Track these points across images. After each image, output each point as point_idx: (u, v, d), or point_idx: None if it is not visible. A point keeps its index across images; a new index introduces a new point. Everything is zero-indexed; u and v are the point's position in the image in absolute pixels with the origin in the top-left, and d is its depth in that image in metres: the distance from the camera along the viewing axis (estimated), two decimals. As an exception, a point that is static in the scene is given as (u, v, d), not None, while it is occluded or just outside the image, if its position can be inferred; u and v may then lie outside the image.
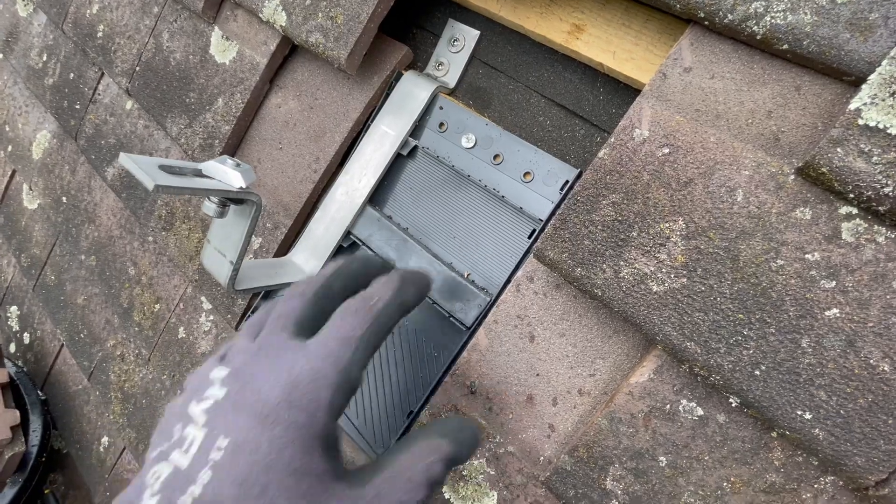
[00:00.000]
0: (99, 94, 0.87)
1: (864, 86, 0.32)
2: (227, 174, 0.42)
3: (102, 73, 0.86)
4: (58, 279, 0.95)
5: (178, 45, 0.72)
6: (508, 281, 0.52)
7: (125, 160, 0.37)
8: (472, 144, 0.56)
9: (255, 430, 0.27)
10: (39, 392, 0.98)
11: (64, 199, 0.94)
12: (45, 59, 0.97)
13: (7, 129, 1.07)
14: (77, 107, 0.90)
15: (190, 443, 0.27)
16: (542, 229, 0.51)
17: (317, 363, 0.29)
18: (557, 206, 0.51)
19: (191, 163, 0.42)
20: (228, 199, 0.43)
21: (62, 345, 0.95)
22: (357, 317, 0.31)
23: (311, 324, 0.32)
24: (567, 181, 0.51)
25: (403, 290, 0.33)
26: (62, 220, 0.94)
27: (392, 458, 0.30)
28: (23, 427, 0.89)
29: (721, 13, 0.37)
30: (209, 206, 0.43)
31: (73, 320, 0.92)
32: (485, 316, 0.52)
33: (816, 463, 0.36)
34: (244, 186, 0.42)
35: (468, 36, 0.60)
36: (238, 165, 0.43)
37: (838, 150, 0.32)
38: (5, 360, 0.95)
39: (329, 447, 0.28)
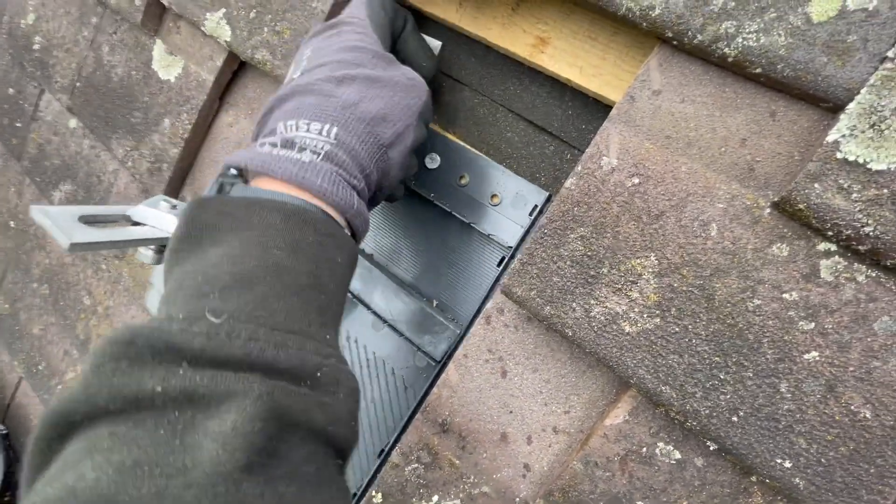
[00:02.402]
0: (41, 112, 0.81)
1: (842, 115, 0.30)
2: (161, 219, 0.38)
3: (43, 89, 0.80)
4: (12, 308, 0.90)
5: (119, 59, 0.67)
6: (478, 312, 0.49)
7: (36, 214, 0.33)
8: (436, 165, 0.53)
9: (326, 34, 0.40)
10: (0, 426, 0.93)
11: (12, 223, 0.88)
12: (-19, 72, 0.90)
13: (-53, 147, 1.00)
14: (18, 125, 0.84)
15: (288, 73, 0.41)
16: (512, 256, 0.48)
17: (346, 12, 0.43)
18: (527, 232, 0.48)
19: (119, 208, 0.38)
20: (165, 247, 0.40)
21: (20, 377, 0.90)
22: None
23: None
24: (536, 205, 0.48)
25: None
26: (12, 246, 0.88)
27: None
28: (-17, 465, 0.85)
29: (690, 33, 0.34)
30: (144, 255, 0.39)
31: (31, 351, 0.87)
32: (455, 349, 0.49)
33: (797, 510, 0.34)
34: (181, 232, 0.38)
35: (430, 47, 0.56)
36: (174, 207, 0.39)
37: (816, 185, 0.30)
38: (-40, 396, 0.90)
39: (383, 42, 0.42)
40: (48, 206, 0.33)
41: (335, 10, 0.50)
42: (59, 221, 0.33)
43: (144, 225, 0.38)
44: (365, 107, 0.35)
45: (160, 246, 0.39)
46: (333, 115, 0.34)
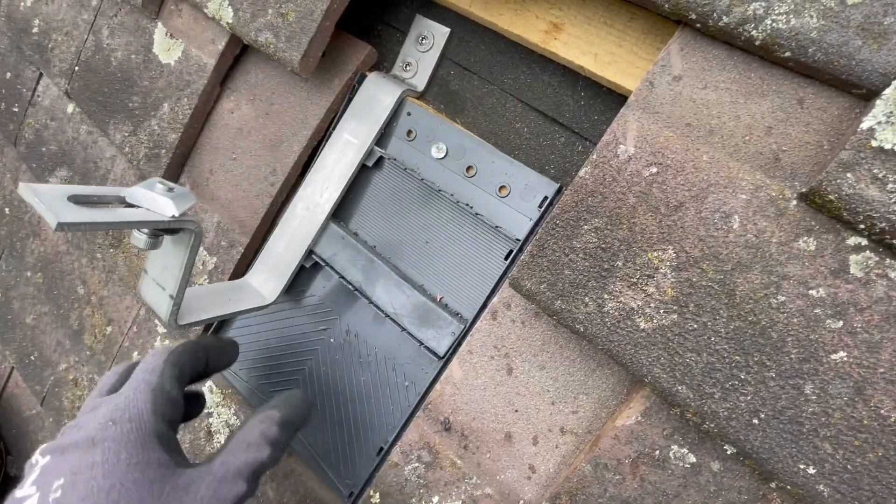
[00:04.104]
0: (38, 96, 0.79)
1: (877, 101, 0.28)
2: (156, 201, 0.36)
3: (41, 74, 0.78)
4: (4, 296, 0.88)
5: (119, 42, 0.65)
6: (484, 306, 0.48)
7: (24, 192, 0.31)
8: (442, 155, 0.51)
9: (87, 455, 0.30)
10: (-10, 417, 0.91)
11: (7, 210, 0.86)
12: (-21, 55, 0.89)
13: (-56, 132, 0.98)
14: (15, 109, 0.82)
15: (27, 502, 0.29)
16: (520, 250, 0.47)
17: (129, 392, 0.34)
18: (536, 225, 0.46)
19: (113, 189, 0.37)
20: (160, 230, 0.38)
21: (12, 367, 0.88)
22: (154, 357, 0.37)
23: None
24: (546, 197, 0.46)
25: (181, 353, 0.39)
26: (5, 233, 0.86)
27: (232, 436, 0.36)
28: (-29, 457, 0.83)
29: (715, 15, 0.32)
30: (138, 238, 0.37)
31: (23, 341, 0.85)
32: (459, 345, 0.48)
33: (820, 519, 0.32)
34: (177, 215, 0.37)
35: (437, 33, 0.55)
36: (170, 190, 0.37)
37: (848, 175, 0.28)
38: (-50, 385, 0.88)
39: (168, 444, 0.33)
40: (38, 184, 0.32)
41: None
42: (47, 200, 0.31)
43: (139, 207, 0.37)
44: None
45: (154, 230, 0.38)
46: None
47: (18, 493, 0.31)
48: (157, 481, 0.31)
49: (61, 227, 0.30)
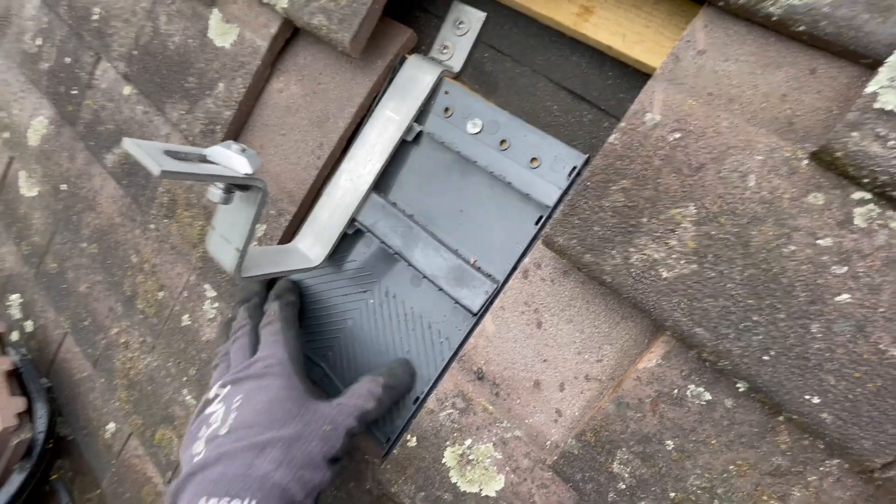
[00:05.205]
0: (96, 79, 0.85)
1: (881, 68, 0.31)
2: (232, 160, 0.41)
3: (99, 58, 0.84)
4: (59, 267, 0.95)
5: (176, 28, 0.71)
6: (515, 267, 0.52)
7: (129, 145, 0.36)
8: (478, 130, 0.56)
9: (255, 383, 0.47)
10: (44, 379, 0.98)
11: (63, 186, 0.93)
12: (39, 42, 0.95)
13: (2, 115, 1.06)
14: (74, 92, 0.88)
15: (214, 414, 0.45)
16: (550, 216, 0.51)
17: (268, 350, 0.50)
18: (565, 193, 0.51)
19: (196, 148, 0.42)
20: (234, 186, 0.43)
21: (66, 333, 0.95)
22: (272, 323, 0.53)
23: (254, 344, 0.53)
24: (575, 167, 0.50)
25: (280, 297, 0.57)
26: (62, 207, 0.93)
27: (347, 388, 0.51)
28: (28, 414, 0.90)
29: (736, -6, 0.36)
30: (214, 193, 0.42)
31: (77, 308, 0.91)
32: (491, 302, 0.52)
33: (822, 446, 0.36)
34: (250, 172, 0.42)
35: (473, 18, 0.59)
36: (244, 151, 0.42)
37: (854, 134, 0.32)
38: (8, 349, 0.95)
39: (302, 380, 0.49)
40: (138, 139, 0.37)
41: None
42: (149, 152, 0.36)
43: (217, 164, 0.42)
44: (281, 474, 0.41)
45: (228, 185, 0.43)
46: (252, 490, 0.39)
47: (207, 410, 0.46)
48: (298, 402, 0.46)
49: (164, 174, 0.35)
